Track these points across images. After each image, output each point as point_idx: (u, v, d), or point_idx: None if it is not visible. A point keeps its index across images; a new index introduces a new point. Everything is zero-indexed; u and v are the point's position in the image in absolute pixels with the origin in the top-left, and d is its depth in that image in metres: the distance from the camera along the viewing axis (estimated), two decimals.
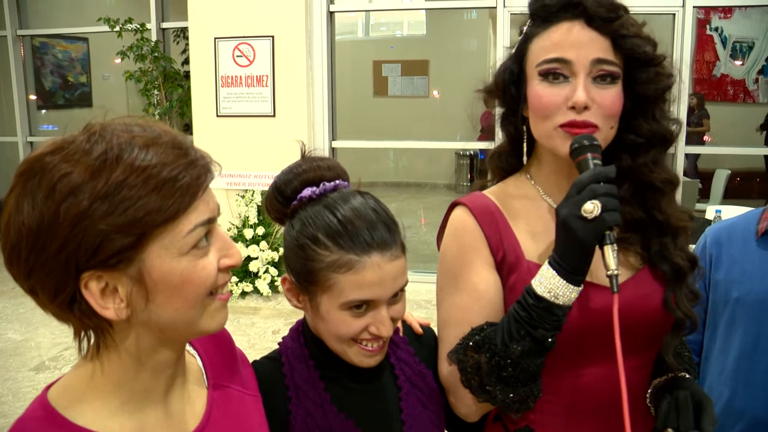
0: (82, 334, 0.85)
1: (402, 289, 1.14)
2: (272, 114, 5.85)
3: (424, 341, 1.30)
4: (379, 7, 6.87)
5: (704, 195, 8.40)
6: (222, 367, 1.05)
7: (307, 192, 1.14)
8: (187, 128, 6.38)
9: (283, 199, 1.16)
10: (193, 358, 1.02)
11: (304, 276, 1.12)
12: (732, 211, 4.28)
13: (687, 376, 1.20)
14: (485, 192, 1.26)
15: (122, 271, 0.79)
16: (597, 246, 1.04)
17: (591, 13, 1.11)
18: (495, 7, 5.61)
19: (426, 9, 11.57)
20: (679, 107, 5.37)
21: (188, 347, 1.01)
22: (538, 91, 1.14)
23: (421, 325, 1.33)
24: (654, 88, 1.15)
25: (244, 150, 5.76)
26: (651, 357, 1.20)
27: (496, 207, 1.21)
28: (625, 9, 1.14)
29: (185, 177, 0.81)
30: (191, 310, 0.85)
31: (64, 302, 0.80)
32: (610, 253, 1.02)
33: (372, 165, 10.84)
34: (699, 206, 7.09)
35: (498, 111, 1.28)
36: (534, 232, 1.19)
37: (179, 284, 0.82)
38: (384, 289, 1.09)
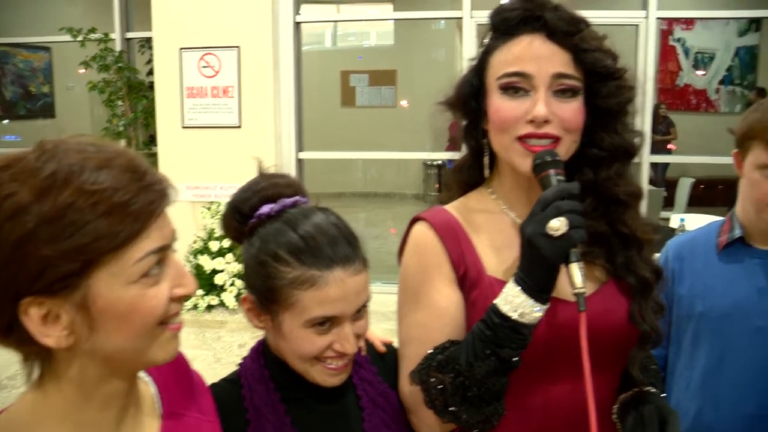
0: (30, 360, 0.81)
1: (365, 305, 1.13)
2: (238, 125, 5.79)
3: (387, 359, 1.28)
4: (346, 18, 6.86)
5: (669, 203, 8.54)
6: (178, 393, 1.01)
7: (265, 209, 1.12)
8: (152, 140, 6.29)
9: (241, 217, 1.14)
10: (147, 387, 0.98)
11: (265, 294, 1.09)
12: (695, 219, 4.33)
13: (653, 390, 1.19)
14: (446, 207, 1.25)
15: (66, 297, 0.76)
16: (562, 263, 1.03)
17: (552, 27, 1.10)
18: (462, 18, 5.62)
19: (394, 19, 11.64)
20: (644, 117, 5.43)
21: (142, 374, 0.97)
22: (498, 104, 1.13)
23: (384, 344, 1.31)
24: (615, 101, 1.14)
25: (209, 161, 5.69)
26: (618, 371, 1.19)
27: (458, 222, 1.20)
28: (585, 23, 1.14)
29: (137, 202, 0.78)
30: (139, 340, 0.81)
31: (2, 327, 0.77)
32: (576, 270, 1.01)
33: (341, 175, 10.80)
34: (664, 214, 7.21)
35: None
36: (495, 247, 1.18)
37: (126, 314, 0.79)
38: (347, 305, 1.08)
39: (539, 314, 1.03)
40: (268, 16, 5.71)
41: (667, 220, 5.67)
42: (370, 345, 1.29)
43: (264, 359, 1.18)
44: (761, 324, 1.55)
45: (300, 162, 5.94)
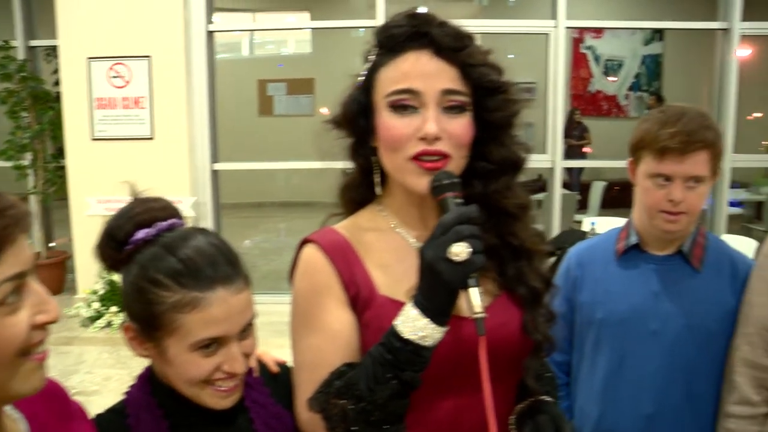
0: None
1: (251, 323, 1.11)
2: (150, 137, 5.65)
3: (280, 380, 1.26)
4: (261, 27, 6.79)
5: (584, 206, 8.79)
6: (54, 427, 0.96)
7: (141, 234, 1.08)
8: (60, 152, 6.07)
9: (116, 245, 1.10)
10: (15, 424, 0.92)
11: (147, 321, 1.06)
12: (606, 222, 4.46)
13: (548, 399, 1.20)
14: (336, 227, 1.23)
15: None
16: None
17: (438, 43, 1.10)
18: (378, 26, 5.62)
19: (310, 28, 11.60)
20: (556, 122, 5.57)
21: (10, 410, 0.92)
22: (388, 122, 1.12)
23: (278, 363, 1.29)
24: (502, 115, 1.15)
25: (121, 174, 5.44)
26: (514, 381, 1.20)
27: (347, 242, 1.18)
28: (471, 38, 1.14)
29: None
30: None
31: None
32: (476, 295, 1.01)
33: (260, 185, 10.66)
34: (578, 217, 7.40)
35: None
36: (386, 266, 1.17)
37: None
38: (232, 324, 1.06)
39: (439, 336, 1.03)
40: (179, 25, 5.60)
41: (580, 222, 5.83)
42: (262, 366, 1.27)
43: (151, 386, 1.14)
44: (656, 327, 1.60)
45: (215, 173, 5.84)
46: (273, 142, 9.91)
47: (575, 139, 10.35)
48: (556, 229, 5.59)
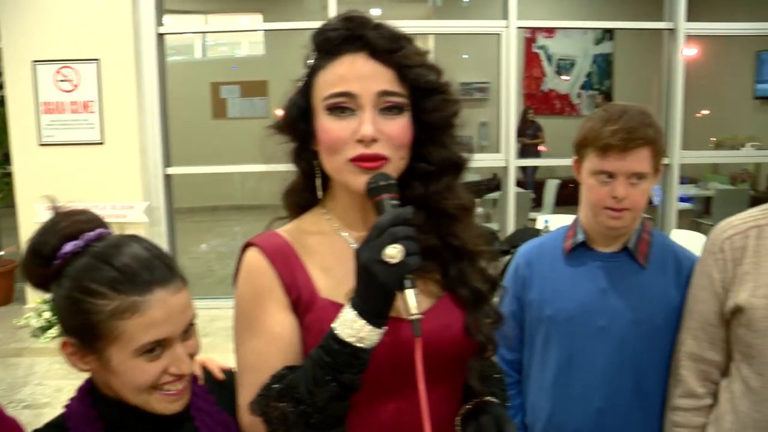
0: None
1: (192, 324, 1.11)
2: (101, 141, 5.55)
3: (226, 387, 1.24)
4: (213, 29, 6.71)
5: (539, 204, 8.90)
6: None
7: (69, 247, 1.06)
8: (6, 158, 5.92)
9: (43, 261, 1.07)
10: None
11: (86, 333, 1.04)
12: (560, 219, 4.52)
13: (493, 400, 1.20)
14: (279, 230, 1.23)
15: None
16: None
17: (374, 45, 1.10)
18: None
19: (263, 30, 11.52)
20: (509, 121, 5.63)
21: None
22: (326, 125, 1.12)
23: (223, 370, 1.28)
24: (441, 115, 1.15)
25: (71, 180, 5.41)
26: (459, 383, 1.20)
27: (289, 245, 1.18)
28: (408, 39, 1.14)
29: None
30: None
31: None
32: (411, 296, 1.01)
33: (215, 188, 10.56)
34: (533, 215, 7.50)
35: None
36: (329, 269, 1.17)
37: None
38: (174, 325, 1.05)
39: (377, 338, 1.03)
40: (128, 28, 5.51)
41: (535, 220, 5.90)
42: (208, 373, 1.26)
43: (91, 399, 1.12)
44: (604, 324, 1.62)
45: (168, 177, 5.76)
46: (227, 145, 9.81)
47: (529, 138, 10.49)
48: (510, 228, 5.65)
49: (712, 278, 1.53)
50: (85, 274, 1.04)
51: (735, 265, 1.50)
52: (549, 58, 11.83)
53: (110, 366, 1.04)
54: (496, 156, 5.72)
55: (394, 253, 0.99)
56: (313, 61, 1.16)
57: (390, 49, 1.10)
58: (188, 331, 1.09)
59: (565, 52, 11.85)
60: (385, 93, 1.10)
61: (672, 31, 5.77)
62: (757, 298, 1.43)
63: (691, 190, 8.63)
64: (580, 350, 1.64)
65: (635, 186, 1.56)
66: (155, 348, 1.04)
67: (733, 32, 6.44)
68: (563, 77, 11.89)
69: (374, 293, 1.01)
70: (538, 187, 9.19)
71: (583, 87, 11.96)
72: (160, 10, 5.73)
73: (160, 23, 5.70)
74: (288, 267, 1.15)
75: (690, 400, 1.57)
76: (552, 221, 4.63)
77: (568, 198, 8.85)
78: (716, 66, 10.35)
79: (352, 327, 1.02)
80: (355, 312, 1.02)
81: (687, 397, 1.57)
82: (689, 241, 4.25)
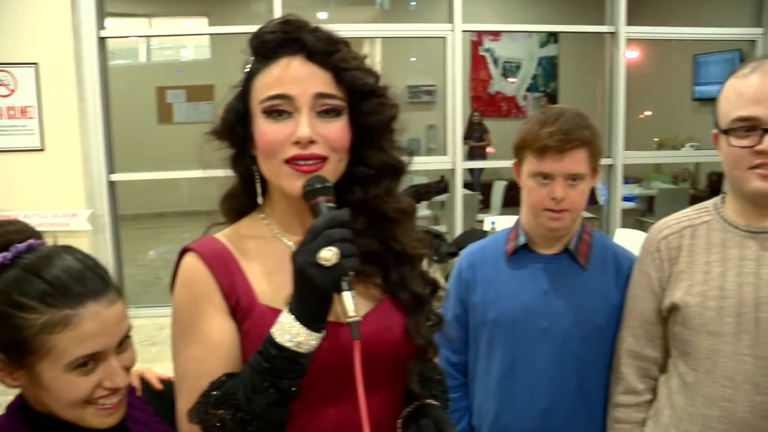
0: None
1: (127, 336, 1.09)
2: (41, 148, 5.39)
3: (165, 397, 1.23)
4: (157, 33, 6.60)
5: (487, 205, 8.99)
6: None
7: None
8: None
9: None
10: None
11: (15, 348, 1.01)
12: (507, 221, 4.57)
13: (433, 402, 1.21)
14: (217, 235, 1.22)
15: None
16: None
17: (310, 48, 1.10)
18: None
19: (208, 34, 11.37)
20: (455, 124, 5.66)
21: None
22: (263, 128, 1.11)
23: (162, 380, 1.27)
24: (378, 118, 1.15)
25: (9, 188, 5.25)
26: (400, 386, 1.20)
27: (228, 250, 1.17)
28: (345, 43, 1.15)
29: None
30: None
31: None
32: (348, 299, 1.01)
33: (162, 194, 10.38)
34: (480, 217, 7.56)
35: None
36: (268, 274, 1.16)
37: None
38: (108, 338, 1.04)
39: (315, 343, 1.02)
40: (68, 32, 5.37)
41: (482, 222, 5.95)
42: (146, 384, 1.24)
43: (21, 415, 1.09)
44: (546, 325, 1.64)
45: (112, 184, 5.64)
46: (174, 150, 9.67)
47: (475, 140, 10.59)
48: (459, 230, 5.67)
49: (649, 277, 1.56)
50: (14, 287, 1.01)
51: (671, 264, 1.53)
52: (495, 61, 11.96)
53: (41, 382, 1.02)
54: (444, 158, 5.75)
55: (329, 255, 0.98)
56: (250, 65, 1.15)
57: (327, 51, 1.11)
58: (123, 343, 1.07)
59: (510, 54, 12.00)
60: (321, 95, 1.10)
61: (613, 35, 5.88)
62: (691, 296, 1.47)
63: (635, 190, 8.82)
64: (524, 352, 1.66)
65: (573, 187, 1.58)
66: (88, 362, 1.02)
67: (672, 36, 6.60)
68: (509, 80, 12.04)
69: (311, 297, 1.01)
70: (485, 189, 9.28)
71: (529, 89, 12.13)
72: (102, 14, 5.60)
73: (101, 27, 5.58)
74: (226, 272, 1.14)
75: (630, 397, 1.59)
76: (499, 222, 4.67)
77: (515, 199, 8.90)
78: (657, 69, 10.62)
79: (290, 332, 1.01)
80: (293, 316, 1.02)
81: (627, 393, 1.60)
82: (633, 239, 4.35)
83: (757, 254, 1.42)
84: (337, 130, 1.11)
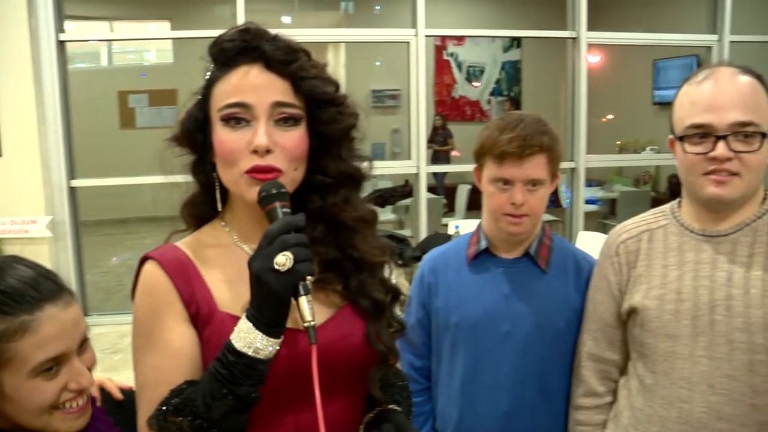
0: None
1: (86, 337, 1.10)
2: None
3: (126, 407, 1.22)
4: (118, 37, 6.51)
5: (451, 209, 9.03)
6: None
7: None
8: None
9: None
10: None
11: None
12: (471, 224, 4.59)
13: (395, 408, 1.22)
14: (178, 243, 1.21)
15: None
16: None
17: (269, 57, 1.10)
18: None
19: (170, 38, 11.27)
20: (419, 128, 5.69)
21: None
22: (221, 136, 1.12)
23: (123, 390, 1.26)
24: (337, 127, 1.16)
25: None
26: (362, 392, 1.21)
27: (188, 258, 1.17)
28: (305, 51, 1.16)
29: None
30: None
31: None
32: (304, 304, 1.02)
33: (125, 199, 10.23)
34: (445, 220, 7.60)
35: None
36: (228, 281, 1.16)
37: None
38: (69, 339, 1.04)
39: (273, 349, 1.03)
40: (25, 35, 5.28)
41: (446, 226, 5.98)
42: (106, 394, 1.24)
43: None
44: (508, 329, 1.65)
45: (73, 190, 5.55)
46: (136, 155, 9.54)
47: (438, 144, 10.65)
48: (423, 234, 5.70)
49: (609, 281, 1.59)
50: None
51: (629, 268, 1.56)
52: (459, 66, 12.04)
53: (4, 392, 1.01)
54: (408, 163, 5.78)
55: (283, 260, 0.99)
56: (210, 72, 1.15)
57: (285, 60, 1.11)
58: (83, 344, 1.08)
59: (474, 59, 12.09)
60: (279, 104, 1.10)
61: (575, 40, 5.97)
62: (649, 299, 1.49)
63: (598, 193, 8.95)
64: (486, 355, 1.67)
65: (533, 192, 1.60)
66: (52, 366, 1.02)
67: (632, 42, 6.72)
68: (473, 84, 12.13)
69: (268, 302, 1.01)
70: (450, 193, 9.32)
71: (493, 93, 12.23)
72: (61, 16, 5.52)
73: (60, 30, 5.49)
74: (186, 280, 1.14)
75: (591, 399, 1.62)
76: (463, 226, 4.70)
77: (479, 203, 8.96)
78: (618, 73, 10.77)
79: (247, 338, 1.02)
80: (251, 323, 1.02)
81: (588, 396, 1.62)
82: (595, 242, 4.40)
83: (712, 258, 1.45)
84: (295, 139, 1.12)
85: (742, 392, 1.38)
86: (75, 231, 5.55)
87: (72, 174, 5.57)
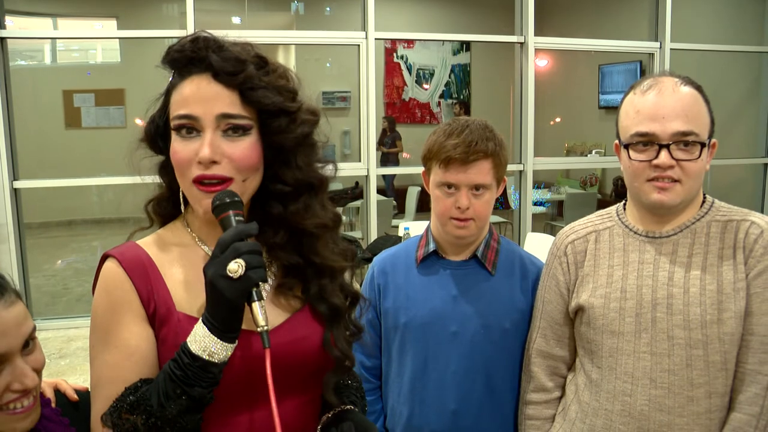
0: None
1: (33, 337, 1.09)
2: None
3: (81, 408, 1.22)
4: (62, 35, 6.38)
5: (402, 211, 9.08)
6: None
7: None
8: None
9: None
10: None
11: None
12: (421, 226, 4.63)
13: (352, 408, 1.25)
14: (139, 242, 1.22)
15: None
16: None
17: (216, 68, 1.11)
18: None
19: (117, 38, 11.06)
20: (369, 130, 5.72)
21: None
22: (174, 146, 1.13)
23: (79, 391, 1.26)
24: (289, 137, 1.16)
25: None
26: (317, 393, 1.23)
27: (148, 257, 1.18)
28: (260, 58, 1.16)
29: None
30: None
31: None
32: (258, 309, 1.04)
33: (71, 201, 10.03)
34: (395, 222, 7.64)
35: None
36: (187, 282, 1.17)
37: None
38: (11, 339, 1.04)
39: (228, 353, 1.05)
40: None
41: (397, 227, 6.02)
42: (61, 395, 1.23)
43: None
44: (455, 329, 1.69)
45: (16, 192, 5.42)
46: (82, 156, 9.35)
47: (386, 146, 10.70)
48: (374, 235, 5.74)
49: (557, 280, 1.64)
50: None
51: (577, 268, 1.62)
52: (409, 68, 12.11)
53: None
54: (358, 165, 5.81)
55: (236, 267, 1.02)
56: (172, 78, 1.17)
57: (232, 71, 1.11)
58: (29, 345, 1.07)
59: (424, 62, 12.18)
60: (225, 116, 1.11)
61: (522, 44, 6.09)
62: (596, 298, 1.55)
63: (546, 195, 9.09)
64: (434, 355, 1.71)
65: (478, 197, 1.64)
66: None
67: (577, 47, 6.87)
68: (423, 86, 12.22)
69: (221, 308, 1.03)
70: (400, 195, 9.37)
71: (443, 96, 12.34)
72: (1, 11, 5.40)
73: (1, 26, 5.37)
74: (145, 279, 1.15)
75: (541, 394, 1.67)
76: (413, 228, 4.74)
77: (429, 205, 9.06)
78: (565, 78, 10.99)
79: (203, 342, 1.04)
80: (206, 327, 1.04)
81: (538, 391, 1.68)
82: (543, 243, 4.50)
83: (655, 258, 1.52)
84: (243, 149, 1.12)
85: (680, 385, 1.45)
86: (19, 233, 5.42)
87: (15, 175, 5.44)
